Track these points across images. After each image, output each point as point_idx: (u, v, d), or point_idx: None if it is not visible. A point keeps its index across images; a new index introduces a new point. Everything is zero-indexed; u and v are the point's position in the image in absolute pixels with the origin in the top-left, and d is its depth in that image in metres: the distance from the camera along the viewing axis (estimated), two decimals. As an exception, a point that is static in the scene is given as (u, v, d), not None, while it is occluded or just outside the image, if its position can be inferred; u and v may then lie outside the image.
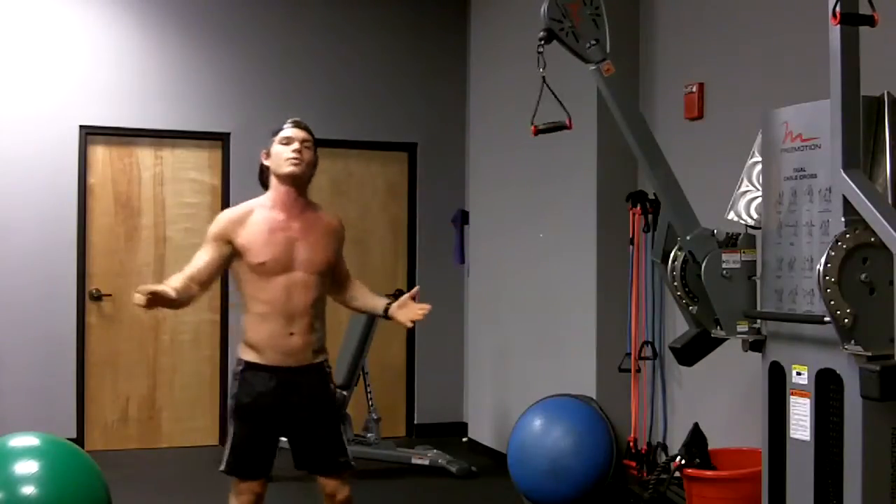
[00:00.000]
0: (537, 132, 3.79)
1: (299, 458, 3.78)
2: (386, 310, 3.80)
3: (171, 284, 3.51)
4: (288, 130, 3.69)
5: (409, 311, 3.76)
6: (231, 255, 3.63)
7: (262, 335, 3.63)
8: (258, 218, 3.64)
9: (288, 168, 3.63)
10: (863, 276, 3.07)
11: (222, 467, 3.68)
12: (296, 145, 3.65)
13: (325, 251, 3.72)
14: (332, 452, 3.75)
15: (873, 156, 3.24)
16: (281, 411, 3.68)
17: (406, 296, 3.81)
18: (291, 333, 3.63)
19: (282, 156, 3.64)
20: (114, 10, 7.31)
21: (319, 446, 3.75)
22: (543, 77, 3.73)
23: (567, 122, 3.81)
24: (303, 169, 3.66)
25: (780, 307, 3.43)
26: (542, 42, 3.71)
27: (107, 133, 7.27)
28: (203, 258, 3.63)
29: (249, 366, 3.66)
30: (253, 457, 3.68)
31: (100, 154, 7.29)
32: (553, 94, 3.76)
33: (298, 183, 3.68)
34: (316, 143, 3.76)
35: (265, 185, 3.75)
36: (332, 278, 3.81)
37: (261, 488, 3.70)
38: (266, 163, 3.71)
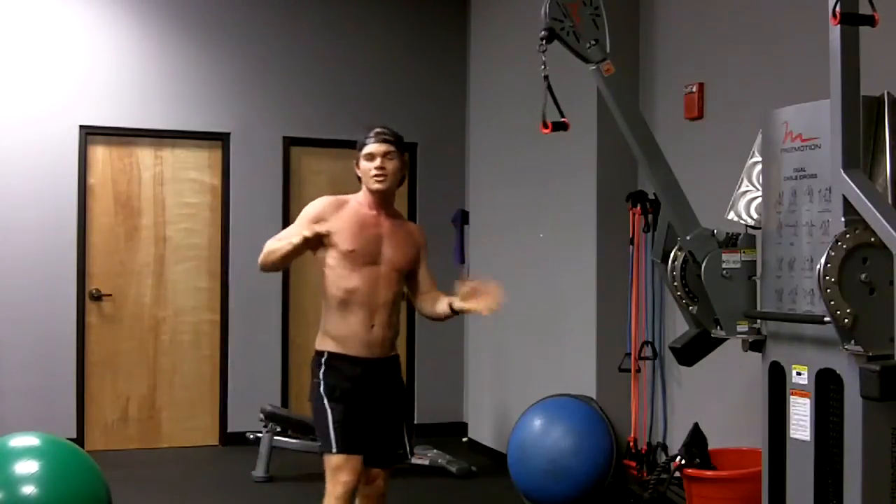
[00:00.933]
0: (553, 128, 3.72)
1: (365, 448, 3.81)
2: (451, 305, 3.75)
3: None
4: (370, 146, 3.80)
5: (483, 299, 3.68)
6: (319, 238, 3.72)
7: (345, 326, 3.74)
8: (352, 209, 3.80)
9: (374, 186, 3.79)
10: (863, 276, 3.07)
11: (333, 449, 3.66)
12: (377, 161, 3.77)
13: (408, 253, 3.86)
14: (394, 445, 3.85)
15: (873, 156, 3.24)
16: (364, 398, 3.75)
17: (472, 284, 3.73)
18: (372, 326, 3.74)
19: (368, 173, 3.80)
20: (114, 10, 7.31)
21: (385, 439, 3.82)
22: (546, 77, 3.72)
23: (567, 124, 3.82)
24: (387, 184, 3.80)
25: (780, 307, 3.43)
26: (544, 41, 3.71)
27: (107, 133, 7.27)
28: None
29: (333, 355, 3.75)
30: (355, 431, 3.71)
31: (100, 154, 7.29)
32: (553, 96, 3.75)
33: (386, 195, 3.82)
34: (402, 146, 3.86)
35: None
36: (413, 284, 3.91)
37: (361, 466, 3.71)
38: (358, 173, 3.85)
